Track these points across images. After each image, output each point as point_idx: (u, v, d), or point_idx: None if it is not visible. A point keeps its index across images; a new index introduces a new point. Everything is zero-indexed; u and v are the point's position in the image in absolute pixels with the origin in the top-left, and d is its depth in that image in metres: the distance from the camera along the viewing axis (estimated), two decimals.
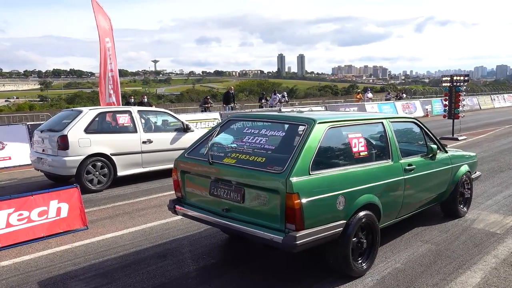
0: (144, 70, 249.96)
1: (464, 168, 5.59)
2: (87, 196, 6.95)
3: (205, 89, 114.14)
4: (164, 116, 9.17)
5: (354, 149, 3.97)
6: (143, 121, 8.42)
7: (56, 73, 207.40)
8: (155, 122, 8.90)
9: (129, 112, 8.29)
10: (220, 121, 4.23)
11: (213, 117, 15.38)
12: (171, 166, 4.90)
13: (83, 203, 5.53)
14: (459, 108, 14.06)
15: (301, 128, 3.83)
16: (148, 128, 8.47)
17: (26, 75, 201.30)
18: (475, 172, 6.11)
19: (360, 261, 3.93)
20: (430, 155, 4.90)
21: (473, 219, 5.56)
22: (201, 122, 14.79)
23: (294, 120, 4.09)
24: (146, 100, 18.22)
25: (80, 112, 7.85)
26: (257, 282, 3.86)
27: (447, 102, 14.38)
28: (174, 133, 8.67)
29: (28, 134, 10.97)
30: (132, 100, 18.51)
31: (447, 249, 4.56)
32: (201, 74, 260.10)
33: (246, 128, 4.34)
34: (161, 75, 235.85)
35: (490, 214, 5.73)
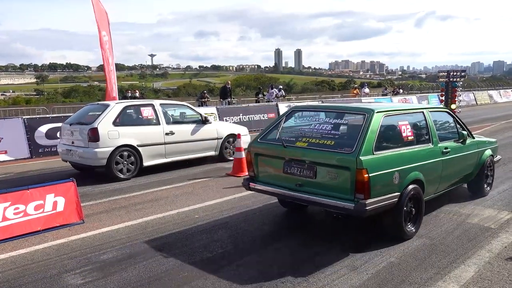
0: (141, 64, 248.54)
1: (488, 152, 6.32)
2: (83, 190, 6.95)
3: (202, 84, 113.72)
4: (184, 109, 9.49)
5: (404, 134, 4.73)
6: (165, 113, 8.68)
7: (53, 67, 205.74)
8: (176, 115, 9.20)
9: (152, 106, 8.60)
10: (285, 111, 5.39)
11: (210, 112, 15.36)
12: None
13: (79, 197, 5.53)
14: (455, 103, 14.11)
15: (362, 116, 4.53)
16: (169, 120, 8.75)
17: (22, 68, 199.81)
18: (496, 155, 6.77)
19: (409, 226, 4.70)
20: (461, 140, 5.62)
21: (467, 213, 5.60)
22: None
23: (354, 110, 4.84)
24: (137, 94, 18.87)
25: (108, 105, 8.14)
26: (253, 276, 3.89)
27: (443, 98, 14.43)
28: (193, 125, 9.04)
29: (25, 128, 10.90)
30: (129, 94, 18.61)
31: (442, 243, 4.60)
32: (198, 68, 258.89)
33: (310, 117, 5.18)
34: (158, 69, 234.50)
35: (484, 209, 5.77)
